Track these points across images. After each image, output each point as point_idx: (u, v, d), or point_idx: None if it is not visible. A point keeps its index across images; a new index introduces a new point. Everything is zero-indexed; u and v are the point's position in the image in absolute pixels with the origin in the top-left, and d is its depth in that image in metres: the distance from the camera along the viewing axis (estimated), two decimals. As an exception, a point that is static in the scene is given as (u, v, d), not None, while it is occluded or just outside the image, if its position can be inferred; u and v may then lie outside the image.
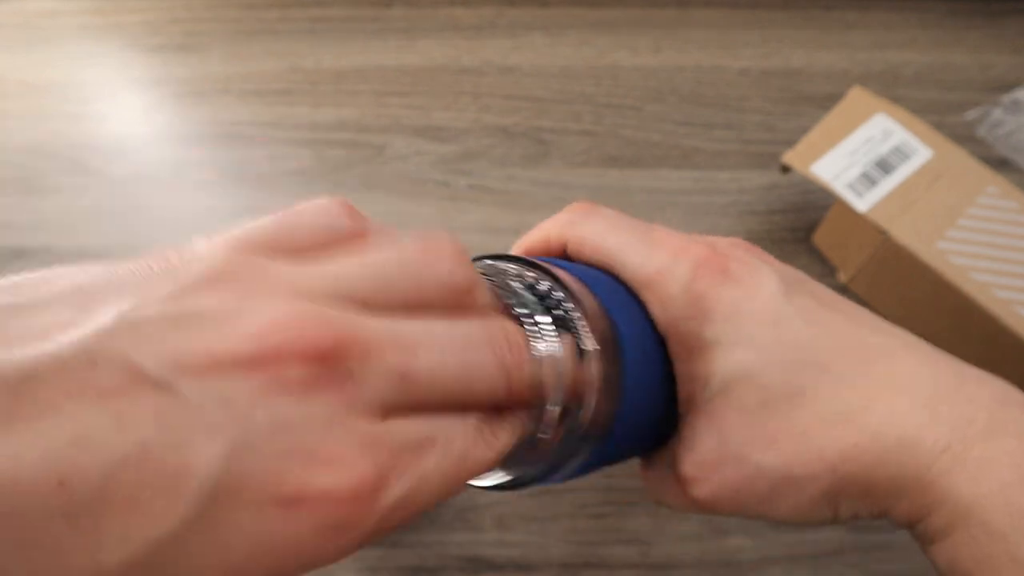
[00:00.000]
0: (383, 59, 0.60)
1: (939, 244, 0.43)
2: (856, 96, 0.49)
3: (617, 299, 0.23)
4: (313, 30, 0.61)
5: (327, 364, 0.13)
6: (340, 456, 0.13)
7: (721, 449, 0.22)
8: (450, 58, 0.60)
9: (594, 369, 0.19)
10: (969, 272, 0.42)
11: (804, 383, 0.21)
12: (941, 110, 0.58)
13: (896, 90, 0.59)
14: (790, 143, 0.48)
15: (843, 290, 0.49)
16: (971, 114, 0.57)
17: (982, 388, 0.21)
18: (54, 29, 0.61)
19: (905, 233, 0.43)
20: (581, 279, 0.22)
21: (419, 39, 0.61)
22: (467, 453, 0.16)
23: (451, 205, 0.53)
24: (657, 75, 0.59)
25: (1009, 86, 0.58)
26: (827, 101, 0.58)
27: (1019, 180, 0.54)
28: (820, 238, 0.50)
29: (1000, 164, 0.55)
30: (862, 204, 0.44)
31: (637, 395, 0.22)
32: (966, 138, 0.56)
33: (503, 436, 0.17)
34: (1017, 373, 0.43)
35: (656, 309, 0.23)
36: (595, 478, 0.43)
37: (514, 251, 0.26)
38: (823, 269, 0.50)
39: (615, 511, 0.43)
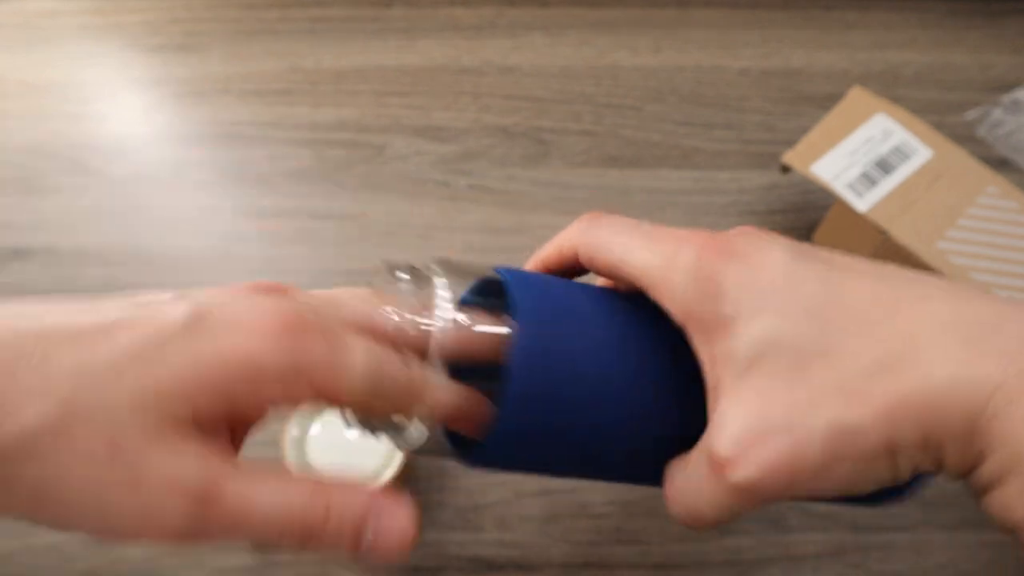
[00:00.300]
0: (383, 59, 0.60)
1: (939, 244, 0.43)
2: (856, 96, 0.49)
3: (565, 304, 0.23)
4: (313, 30, 0.61)
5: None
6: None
7: (761, 422, 0.20)
8: (450, 58, 0.60)
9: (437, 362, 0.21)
10: (969, 272, 0.42)
11: (836, 338, 0.20)
12: (941, 110, 0.58)
13: (896, 90, 0.59)
14: (790, 143, 0.48)
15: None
16: (971, 114, 0.57)
17: None
18: (54, 29, 0.61)
19: (905, 233, 0.43)
20: (519, 285, 0.23)
21: (419, 39, 0.61)
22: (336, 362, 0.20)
23: (451, 205, 0.53)
24: (657, 75, 0.59)
25: (1009, 86, 0.58)
26: (827, 101, 0.58)
27: (1019, 180, 0.54)
28: (820, 238, 0.50)
29: (1000, 164, 0.55)
30: (862, 204, 0.44)
31: (567, 393, 0.22)
32: (966, 138, 0.56)
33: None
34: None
35: (669, 304, 0.22)
36: (595, 478, 0.43)
37: (528, 265, 0.27)
38: (823, 269, 0.50)
39: (615, 511, 0.43)
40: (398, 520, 0.20)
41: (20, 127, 0.56)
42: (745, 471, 0.20)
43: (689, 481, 0.22)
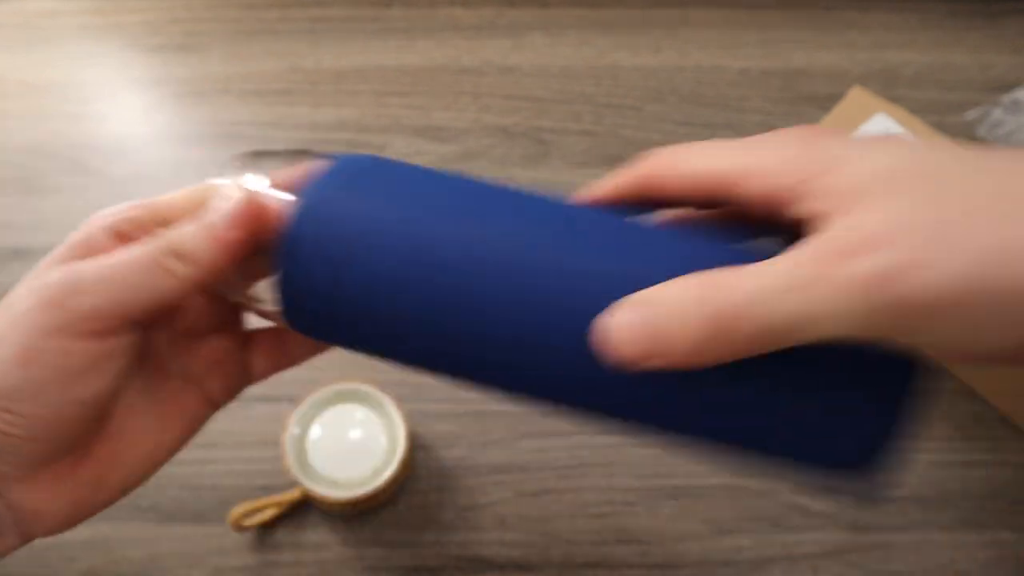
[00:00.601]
0: (383, 59, 0.60)
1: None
2: (856, 96, 0.49)
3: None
4: (313, 30, 0.61)
5: None
6: None
7: (904, 219, 0.16)
8: (450, 58, 0.60)
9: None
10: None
11: (970, 174, 0.16)
12: (941, 110, 0.58)
13: (896, 90, 0.59)
14: (790, 143, 0.48)
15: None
16: (971, 114, 0.57)
17: None
18: (54, 29, 0.61)
19: (905, 233, 0.43)
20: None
21: (419, 39, 0.61)
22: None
23: (451, 205, 0.53)
24: (657, 75, 0.59)
25: (1009, 86, 0.58)
26: (827, 101, 0.58)
27: (1019, 180, 0.54)
28: (820, 238, 0.50)
29: (1000, 164, 0.55)
30: (862, 204, 0.44)
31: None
32: (966, 138, 0.56)
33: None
34: (1017, 374, 0.43)
35: (759, 184, 0.19)
36: (595, 478, 0.43)
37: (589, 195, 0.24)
38: (823, 269, 0.50)
39: (615, 511, 0.43)
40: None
41: (20, 127, 0.56)
42: (890, 256, 0.15)
43: (777, 278, 0.16)
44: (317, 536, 0.42)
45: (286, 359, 0.27)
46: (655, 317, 0.17)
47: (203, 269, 0.22)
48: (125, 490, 0.24)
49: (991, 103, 0.57)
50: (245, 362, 0.27)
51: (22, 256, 0.51)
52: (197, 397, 0.25)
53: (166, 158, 0.55)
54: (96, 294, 0.21)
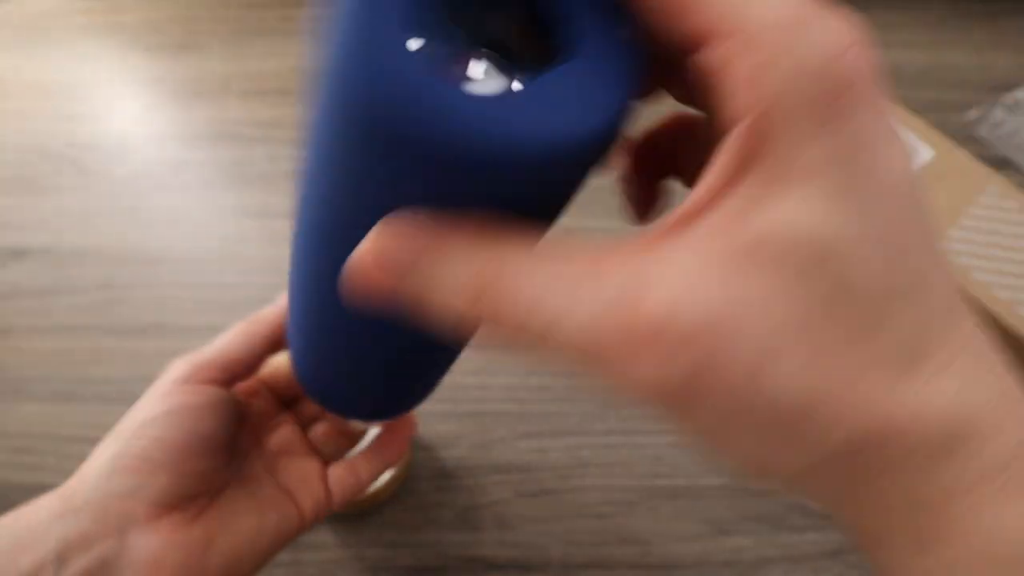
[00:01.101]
0: (383, 59, 0.60)
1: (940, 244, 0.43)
2: (856, 96, 0.49)
3: None
4: (313, 30, 0.61)
5: None
6: None
7: (731, 319, 0.12)
8: (450, 58, 0.60)
9: None
10: (970, 272, 0.42)
11: (897, 304, 0.13)
12: (941, 110, 0.58)
13: (897, 90, 0.59)
14: (790, 143, 0.48)
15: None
16: (971, 114, 0.57)
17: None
18: (54, 29, 0.61)
19: (905, 233, 0.43)
20: None
21: (419, 39, 0.61)
22: None
23: (451, 205, 0.53)
24: (657, 75, 0.59)
25: (1010, 86, 0.58)
26: (827, 101, 0.58)
27: (1019, 180, 0.54)
28: (820, 238, 0.50)
29: (1000, 164, 0.55)
30: (862, 204, 0.44)
31: None
32: (967, 138, 0.56)
33: None
34: (1018, 373, 0.43)
35: (743, 69, 0.13)
36: (595, 478, 0.43)
37: None
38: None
39: (615, 511, 0.43)
40: None
41: (20, 127, 0.56)
42: (657, 365, 0.13)
43: (567, 298, 0.13)
44: (317, 536, 0.42)
45: (355, 483, 0.32)
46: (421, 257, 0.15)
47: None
48: (227, 566, 0.27)
49: (992, 103, 0.57)
50: (326, 486, 0.31)
51: (22, 256, 0.51)
52: (288, 504, 0.29)
53: (166, 158, 0.55)
54: (209, 350, 0.30)
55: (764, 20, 0.13)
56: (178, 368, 0.29)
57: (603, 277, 0.13)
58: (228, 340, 0.30)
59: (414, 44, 0.14)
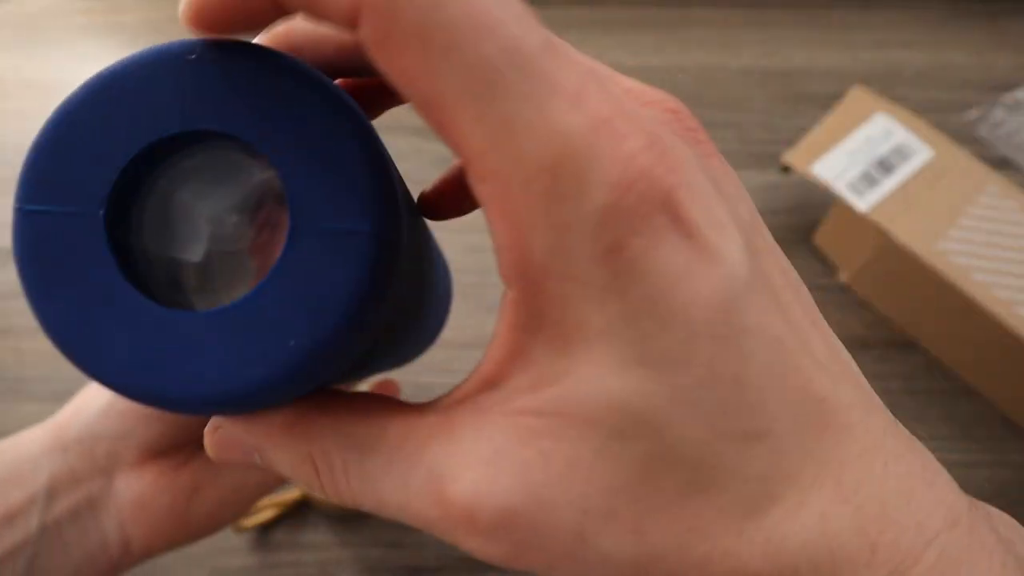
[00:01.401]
0: (383, 59, 0.60)
1: (940, 244, 0.43)
2: (857, 96, 0.49)
3: None
4: (313, 30, 0.61)
5: None
6: None
7: (537, 500, 0.12)
8: (450, 58, 0.60)
9: None
10: (970, 272, 0.42)
11: (730, 453, 0.12)
12: (942, 110, 0.58)
13: (897, 90, 0.59)
14: (790, 143, 0.48)
15: (844, 290, 0.49)
16: (972, 114, 0.57)
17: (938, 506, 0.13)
18: (54, 29, 0.61)
19: (906, 233, 0.43)
20: None
21: (419, 39, 0.61)
22: None
23: (451, 205, 0.53)
24: (658, 74, 0.59)
25: (1010, 86, 0.58)
26: (828, 101, 0.58)
27: (1020, 180, 0.54)
28: (820, 238, 0.50)
29: (1000, 164, 0.55)
30: (863, 204, 0.44)
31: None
32: (967, 138, 0.56)
33: None
34: (1017, 373, 0.43)
35: (506, 218, 0.11)
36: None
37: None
38: (823, 269, 0.50)
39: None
40: None
41: (20, 127, 0.56)
42: (497, 548, 0.13)
43: (385, 485, 0.14)
44: (317, 536, 0.42)
45: None
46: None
47: None
48: (212, 514, 0.27)
49: (992, 103, 0.57)
50: None
51: (22, 256, 0.51)
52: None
53: (166, 158, 0.55)
54: None
55: (530, 155, 0.11)
56: None
57: (408, 465, 0.13)
58: None
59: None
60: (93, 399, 0.27)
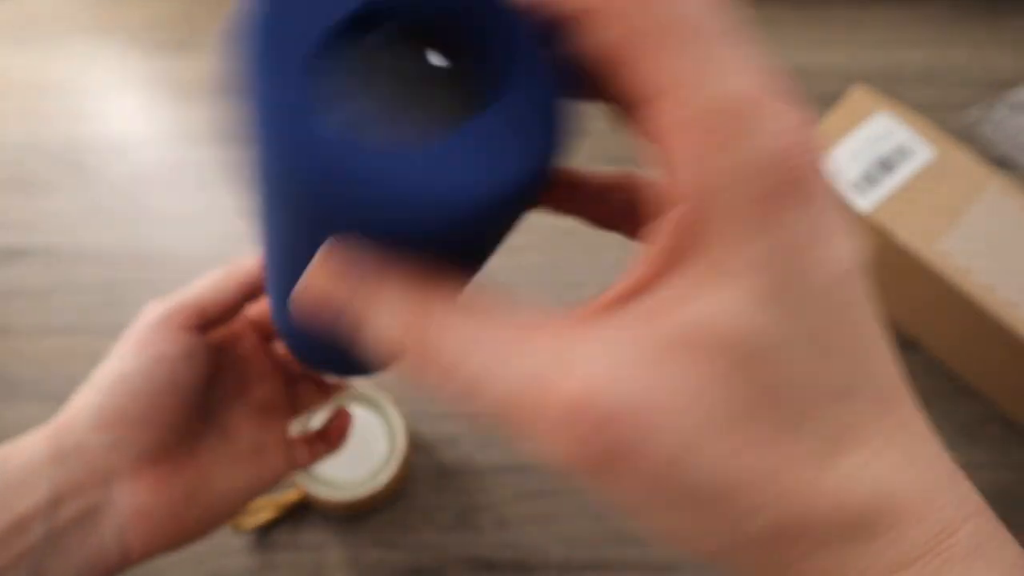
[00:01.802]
0: (383, 58, 0.60)
1: (940, 244, 0.43)
2: (858, 95, 0.49)
3: None
4: (313, 29, 0.61)
5: None
6: None
7: (652, 406, 0.13)
8: (450, 57, 0.60)
9: None
10: (970, 272, 0.42)
11: (826, 402, 0.13)
12: (943, 108, 0.57)
13: (898, 89, 0.58)
14: (791, 142, 0.48)
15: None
16: (973, 113, 0.56)
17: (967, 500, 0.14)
18: (54, 29, 0.61)
19: (906, 233, 0.43)
20: None
21: (419, 38, 0.61)
22: None
23: (451, 205, 0.53)
24: (658, 74, 0.59)
25: (1011, 85, 0.58)
26: (829, 100, 0.58)
27: (1021, 179, 0.54)
28: (821, 237, 0.50)
29: (1001, 163, 0.55)
30: (864, 203, 0.44)
31: None
32: (968, 137, 0.56)
33: None
34: (1018, 373, 0.43)
35: (687, 148, 0.13)
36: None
37: None
38: (824, 269, 0.50)
39: (615, 511, 0.43)
40: None
41: (19, 127, 0.56)
42: (576, 445, 0.13)
43: (491, 361, 0.14)
44: (316, 537, 0.42)
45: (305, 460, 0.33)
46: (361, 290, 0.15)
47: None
48: (207, 517, 0.28)
49: (993, 102, 0.57)
50: (288, 454, 0.32)
51: (21, 256, 0.51)
52: (259, 462, 0.30)
53: (166, 158, 0.55)
54: (185, 294, 0.29)
55: (716, 97, 0.12)
56: (154, 311, 0.29)
57: (527, 351, 0.14)
58: (205, 284, 0.30)
59: (330, 108, 0.14)
60: (85, 407, 0.27)
